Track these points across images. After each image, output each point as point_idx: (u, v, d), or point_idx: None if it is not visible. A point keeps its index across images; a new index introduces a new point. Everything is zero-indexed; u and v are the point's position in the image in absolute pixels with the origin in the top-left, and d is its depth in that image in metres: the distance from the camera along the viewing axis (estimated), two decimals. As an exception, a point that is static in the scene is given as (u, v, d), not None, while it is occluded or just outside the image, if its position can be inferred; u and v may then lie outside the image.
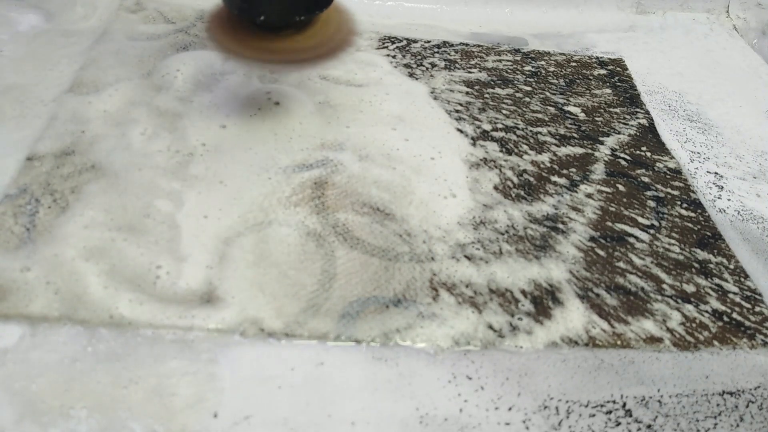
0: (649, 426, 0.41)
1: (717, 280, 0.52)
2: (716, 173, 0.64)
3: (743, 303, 0.50)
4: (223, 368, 0.41)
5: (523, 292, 0.48)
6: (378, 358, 0.43)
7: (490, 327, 0.46)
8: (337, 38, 0.52)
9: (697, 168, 0.64)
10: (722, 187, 0.62)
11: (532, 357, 0.44)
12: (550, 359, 0.44)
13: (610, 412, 0.42)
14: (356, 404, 0.40)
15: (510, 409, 0.41)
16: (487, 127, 0.64)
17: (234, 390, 0.40)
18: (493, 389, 0.42)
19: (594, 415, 0.41)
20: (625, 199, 0.59)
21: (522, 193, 0.57)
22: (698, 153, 0.66)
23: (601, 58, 0.79)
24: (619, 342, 0.46)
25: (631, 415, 0.42)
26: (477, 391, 0.42)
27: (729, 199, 0.61)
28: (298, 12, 0.48)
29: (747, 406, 0.43)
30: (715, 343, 0.47)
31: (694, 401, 0.43)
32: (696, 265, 0.53)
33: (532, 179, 0.59)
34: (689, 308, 0.49)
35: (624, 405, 0.42)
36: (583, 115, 0.69)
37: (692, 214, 0.58)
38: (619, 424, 0.41)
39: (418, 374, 0.42)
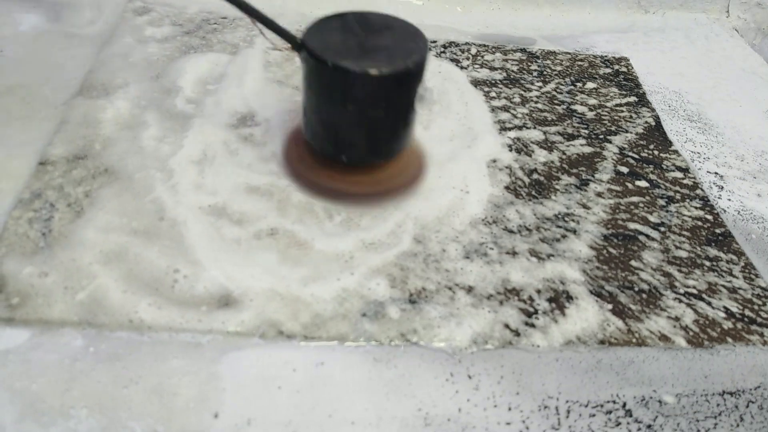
0: (649, 426, 0.41)
1: (728, 277, 0.53)
2: (716, 173, 0.64)
3: (754, 300, 0.51)
4: (225, 368, 0.41)
5: (538, 291, 0.49)
6: (378, 359, 0.43)
7: (507, 326, 0.46)
8: (408, 174, 0.56)
9: (698, 168, 0.65)
10: (722, 187, 0.63)
11: (532, 357, 0.45)
12: (551, 359, 0.45)
13: (610, 412, 0.42)
14: (357, 404, 0.41)
15: (510, 408, 0.41)
16: (495, 126, 0.65)
17: (235, 390, 0.40)
18: (493, 389, 0.42)
19: (594, 415, 0.42)
20: (635, 198, 0.59)
21: (533, 192, 0.58)
22: (698, 153, 0.67)
23: (606, 56, 0.80)
24: (634, 340, 0.46)
25: (631, 415, 0.42)
26: (477, 391, 0.42)
27: (729, 199, 0.61)
28: (378, 157, 0.53)
29: (747, 406, 0.43)
30: (728, 339, 0.48)
31: (694, 401, 0.43)
32: (707, 262, 0.54)
33: (542, 179, 0.59)
34: (702, 305, 0.50)
35: (624, 405, 0.43)
36: (590, 113, 0.69)
37: (701, 212, 0.59)
38: (619, 424, 0.41)
39: (418, 374, 0.43)
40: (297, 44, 0.48)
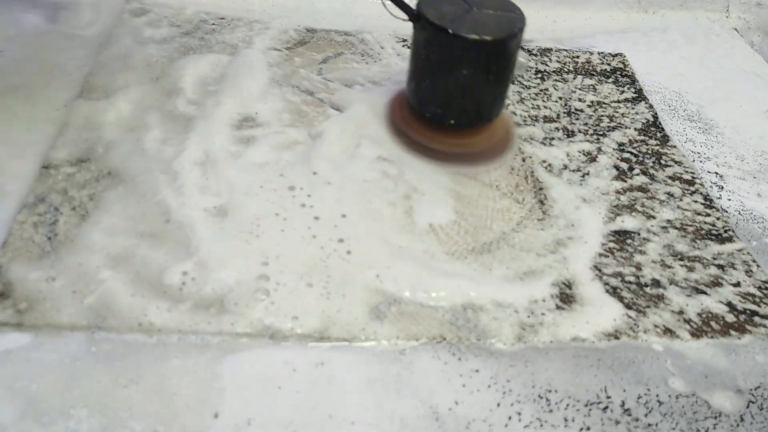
0: (648, 425, 0.42)
1: (730, 271, 0.53)
2: (716, 173, 0.65)
3: (756, 293, 0.52)
4: (225, 368, 0.41)
5: (546, 288, 0.49)
6: (377, 359, 0.43)
7: (517, 323, 0.46)
8: (498, 140, 0.61)
9: (699, 168, 0.65)
10: (722, 187, 0.63)
11: (533, 355, 0.45)
12: (551, 358, 0.45)
13: (609, 410, 0.42)
14: (356, 404, 0.41)
15: (510, 407, 0.42)
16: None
17: (235, 390, 0.40)
18: (494, 387, 0.43)
19: (592, 413, 0.42)
20: (636, 193, 0.59)
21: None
22: (698, 153, 0.67)
23: (603, 53, 0.80)
24: (640, 333, 0.47)
25: (630, 414, 0.42)
26: (477, 390, 0.42)
27: (729, 199, 0.62)
28: (483, 120, 0.58)
29: (747, 406, 0.44)
30: (732, 332, 0.48)
31: (694, 401, 0.44)
32: (709, 256, 0.54)
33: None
34: (705, 299, 0.50)
35: (623, 404, 0.43)
36: (588, 110, 0.70)
37: (702, 207, 0.59)
38: (618, 422, 0.42)
39: (417, 373, 0.43)
40: (413, 15, 0.53)
